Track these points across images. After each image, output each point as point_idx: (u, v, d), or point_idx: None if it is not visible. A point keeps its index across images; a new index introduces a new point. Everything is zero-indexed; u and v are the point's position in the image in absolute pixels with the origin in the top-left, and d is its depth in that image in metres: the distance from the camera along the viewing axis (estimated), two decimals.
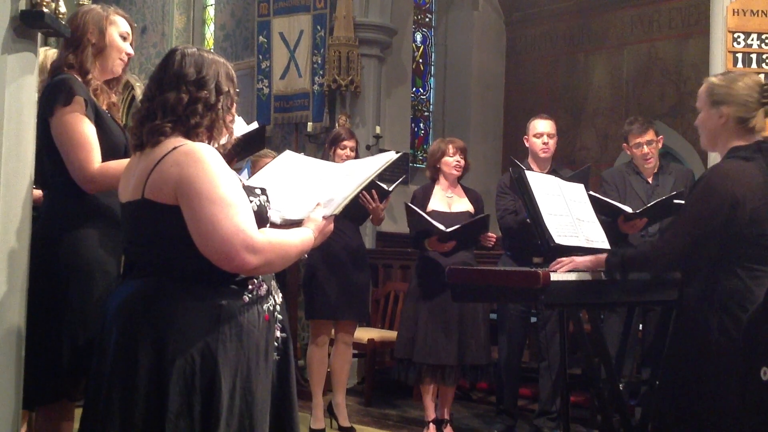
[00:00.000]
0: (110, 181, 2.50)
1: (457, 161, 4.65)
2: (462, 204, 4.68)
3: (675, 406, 2.70)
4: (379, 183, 4.33)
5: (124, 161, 2.48)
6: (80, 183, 2.52)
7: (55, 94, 2.52)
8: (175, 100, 2.04)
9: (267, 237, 2.01)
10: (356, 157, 4.78)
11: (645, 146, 4.57)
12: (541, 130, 4.74)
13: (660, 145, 4.67)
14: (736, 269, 2.61)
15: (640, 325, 4.59)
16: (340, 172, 2.47)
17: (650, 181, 4.62)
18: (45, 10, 2.28)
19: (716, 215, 2.59)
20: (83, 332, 2.45)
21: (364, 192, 3.70)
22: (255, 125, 3.54)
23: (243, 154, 3.57)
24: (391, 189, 4.61)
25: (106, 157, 2.55)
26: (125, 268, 2.18)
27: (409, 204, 4.46)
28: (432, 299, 4.50)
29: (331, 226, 2.28)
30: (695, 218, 2.65)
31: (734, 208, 2.58)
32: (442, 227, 4.33)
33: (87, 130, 2.52)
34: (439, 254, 4.50)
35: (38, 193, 2.61)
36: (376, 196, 4.50)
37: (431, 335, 4.47)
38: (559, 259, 3.10)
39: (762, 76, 5.22)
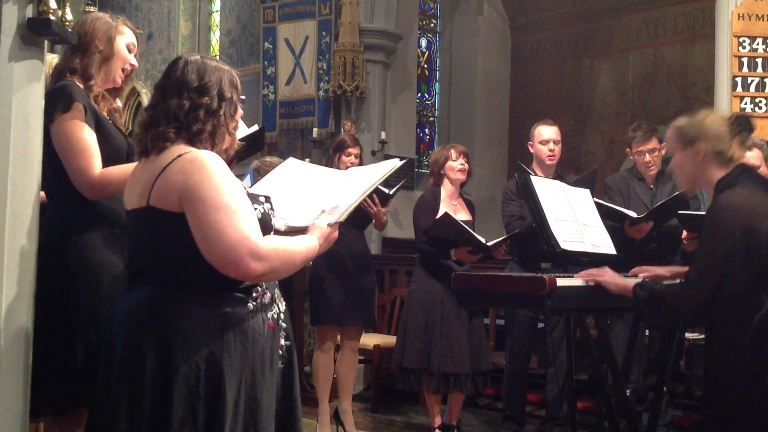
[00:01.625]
0: (111, 187, 2.50)
1: (462, 164, 4.62)
2: (464, 213, 4.67)
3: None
4: (380, 187, 4.31)
5: (126, 166, 2.49)
6: (81, 189, 2.52)
7: (54, 101, 2.51)
8: (177, 107, 2.05)
9: (272, 244, 2.01)
10: (360, 164, 4.78)
11: (647, 154, 4.56)
12: (548, 137, 4.73)
13: (663, 152, 4.65)
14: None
15: (647, 331, 4.57)
16: (344, 179, 2.47)
17: (652, 187, 4.62)
18: (52, 17, 2.29)
19: (733, 249, 2.51)
20: (96, 337, 2.44)
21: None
22: (255, 127, 3.54)
23: (243, 155, 3.58)
24: (392, 193, 4.60)
25: (107, 162, 2.55)
26: (131, 276, 2.18)
27: (449, 213, 4.37)
28: (451, 306, 4.43)
29: (336, 234, 2.28)
30: (714, 256, 2.55)
31: (748, 235, 2.51)
32: (482, 239, 4.31)
33: (87, 137, 2.52)
34: (452, 262, 4.49)
35: (41, 195, 2.61)
36: (377, 200, 4.50)
37: (455, 343, 4.42)
38: (589, 270, 3.05)
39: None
